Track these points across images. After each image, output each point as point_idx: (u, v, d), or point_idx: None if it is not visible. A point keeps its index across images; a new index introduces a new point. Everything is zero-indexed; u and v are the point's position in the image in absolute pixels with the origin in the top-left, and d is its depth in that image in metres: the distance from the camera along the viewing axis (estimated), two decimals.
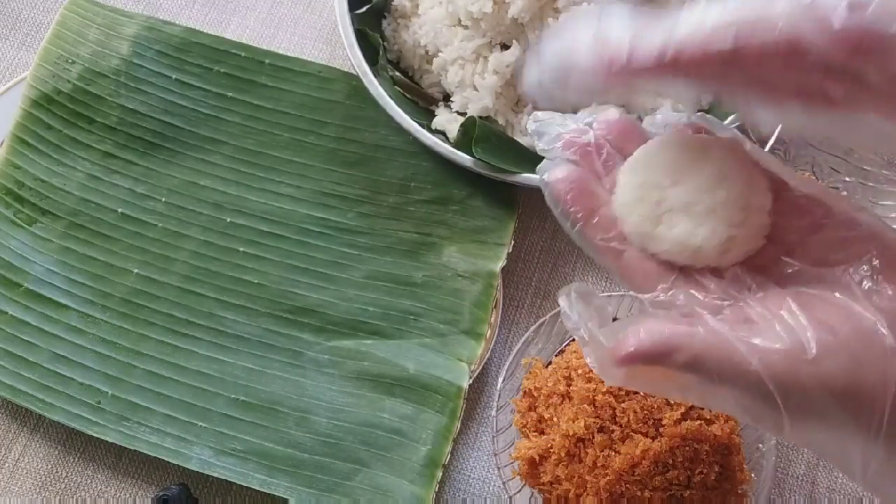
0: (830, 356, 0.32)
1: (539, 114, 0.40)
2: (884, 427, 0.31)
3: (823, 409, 0.32)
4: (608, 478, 0.49)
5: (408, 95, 0.66)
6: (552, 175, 0.38)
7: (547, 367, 0.56)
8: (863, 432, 0.32)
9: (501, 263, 0.62)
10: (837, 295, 0.33)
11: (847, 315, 0.33)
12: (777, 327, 0.33)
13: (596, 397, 0.51)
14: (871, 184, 0.63)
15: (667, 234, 0.37)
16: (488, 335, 0.61)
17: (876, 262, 0.34)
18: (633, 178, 0.38)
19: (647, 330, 0.33)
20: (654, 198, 0.37)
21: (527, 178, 0.62)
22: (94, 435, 0.58)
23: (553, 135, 0.39)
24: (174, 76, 0.68)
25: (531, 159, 0.64)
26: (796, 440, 0.34)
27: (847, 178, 0.63)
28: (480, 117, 0.64)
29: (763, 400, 0.32)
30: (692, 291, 0.36)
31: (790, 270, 0.36)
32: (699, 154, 0.37)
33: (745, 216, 0.36)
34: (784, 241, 0.37)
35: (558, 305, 0.37)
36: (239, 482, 0.57)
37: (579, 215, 0.38)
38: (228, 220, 0.64)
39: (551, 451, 0.51)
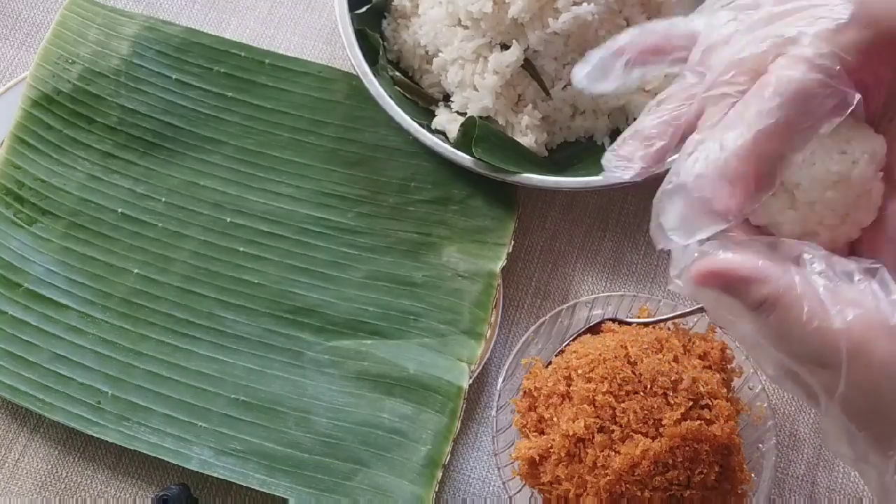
0: None
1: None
2: None
3: (879, 389, 0.30)
4: (608, 478, 0.49)
5: (408, 95, 0.66)
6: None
7: (547, 367, 0.56)
8: None
9: (501, 263, 0.62)
10: None
11: None
12: (869, 293, 0.31)
13: (596, 397, 0.51)
14: None
15: (781, 209, 0.35)
16: (488, 335, 0.61)
17: None
18: None
19: (735, 255, 0.32)
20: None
21: (527, 178, 0.62)
22: (94, 435, 0.58)
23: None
24: (174, 76, 0.68)
25: (531, 159, 0.64)
26: (831, 424, 0.32)
27: None
28: (480, 117, 0.64)
29: (822, 363, 0.31)
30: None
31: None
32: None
33: (861, 193, 0.34)
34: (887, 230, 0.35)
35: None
36: (239, 482, 0.57)
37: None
38: (228, 220, 0.64)
39: (551, 451, 0.51)
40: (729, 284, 0.33)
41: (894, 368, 0.30)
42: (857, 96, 0.32)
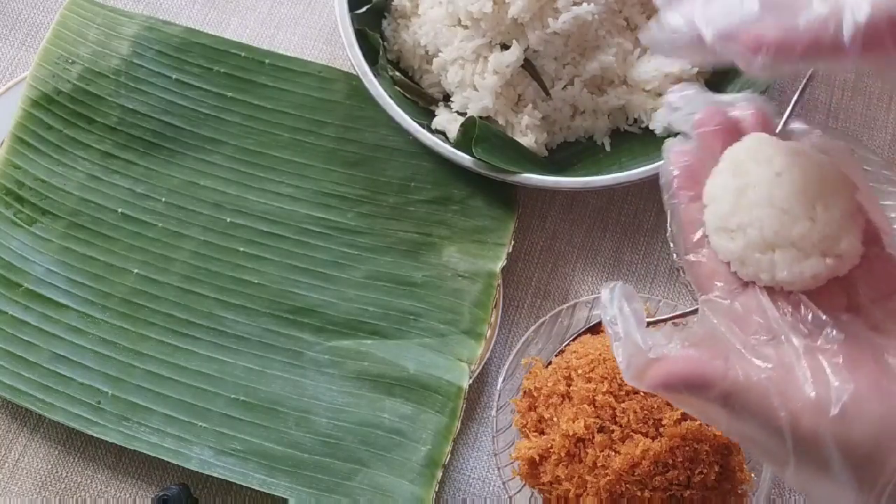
0: (855, 421, 0.32)
1: (684, 89, 0.40)
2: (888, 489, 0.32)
3: (830, 465, 0.32)
4: (608, 478, 0.49)
5: (408, 95, 0.66)
6: (673, 147, 0.39)
7: (547, 367, 0.56)
8: (864, 491, 0.32)
9: (501, 263, 0.62)
10: (890, 359, 0.34)
11: (886, 389, 0.33)
12: (810, 379, 0.33)
13: (596, 397, 0.51)
14: (871, 184, 0.63)
15: (743, 249, 0.36)
16: (488, 335, 0.61)
17: None
18: (727, 179, 0.37)
19: (686, 360, 0.35)
20: (742, 204, 0.36)
21: (527, 178, 0.62)
22: (94, 435, 0.58)
23: (687, 112, 0.39)
24: (174, 76, 0.68)
25: (531, 159, 0.64)
26: (794, 483, 0.35)
27: None
28: (480, 117, 0.64)
29: (777, 442, 0.33)
30: (737, 305, 0.36)
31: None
32: (801, 169, 0.36)
33: (834, 246, 0.35)
34: (852, 293, 0.36)
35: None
36: (239, 482, 0.57)
37: (680, 193, 0.38)
38: (228, 220, 0.64)
39: (551, 451, 0.51)
40: (681, 390, 0.35)
41: (846, 451, 0.32)
42: None
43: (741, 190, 0.37)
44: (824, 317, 0.35)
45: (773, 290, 0.36)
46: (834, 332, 0.34)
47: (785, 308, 0.35)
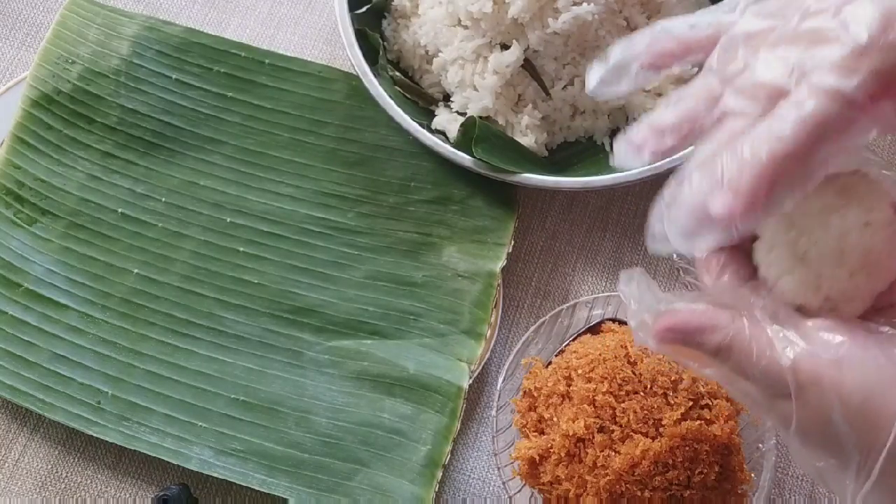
0: (854, 369, 0.32)
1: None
2: (882, 457, 0.32)
3: (831, 417, 0.32)
4: (608, 478, 0.49)
5: (408, 95, 0.66)
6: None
7: (547, 367, 0.56)
8: (862, 454, 0.32)
9: (501, 263, 0.62)
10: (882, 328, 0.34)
11: (878, 344, 0.33)
12: (810, 336, 0.33)
13: (596, 397, 0.51)
14: None
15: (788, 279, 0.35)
16: (488, 335, 0.61)
17: None
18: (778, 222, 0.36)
19: (692, 312, 0.35)
20: (792, 238, 0.35)
21: (527, 178, 0.62)
22: (94, 435, 0.58)
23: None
24: (174, 76, 0.68)
25: (531, 159, 0.64)
26: (796, 444, 0.34)
27: None
28: (480, 117, 0.64)
29: (780, 395, 0.33)
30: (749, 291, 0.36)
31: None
32: (844, 198, 0.35)
33: (874, 275, 0.34)
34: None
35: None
36: (239, 482, 0.57)
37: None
38: (228, 220, 0.64)
39: (551, 451, 0.51)
40: (685, 338, 0.35)
41: (840, 398, 0.32)
42: (874, 131, 0.32)
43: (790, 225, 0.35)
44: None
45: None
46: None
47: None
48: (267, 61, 0.69)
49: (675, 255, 0.40)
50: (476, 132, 0.61)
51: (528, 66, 0.64)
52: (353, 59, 0.65)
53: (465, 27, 0.65)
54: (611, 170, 0.63)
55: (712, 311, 0.35)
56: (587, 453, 0.50)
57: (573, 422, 0.50)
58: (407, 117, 0.63)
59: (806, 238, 0.34)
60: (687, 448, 0.49)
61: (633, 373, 0.51)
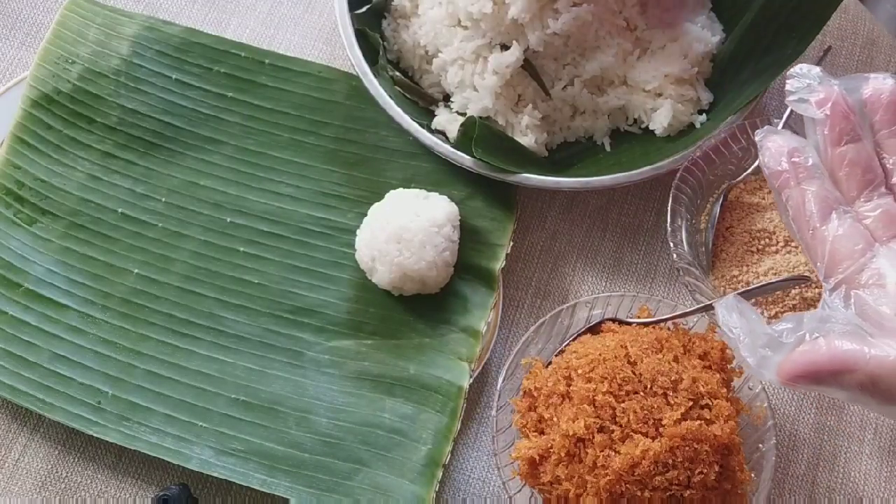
0: None
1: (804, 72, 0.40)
2: None
3: None
4: (608, 478, 0.49)
5: (408, 95, 0.66)
6: (770, 136, 0.39)
7: (547, 367, 0.56)
8: None
9: (501, 264, 0.62)
10: None
11: None
12: None
13: (596, 397, 0.51)
14: None
15: None
16: (488, 335, 0.61)
17: None
18: None
19: (827, 348, 0.35)
20: None
21: (527, 178, 0.62)
22: (94, 435, 0.58)
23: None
24: (174, 76, 0.68)
25: (531, 159, 0.64)
26: None
27: None
28: (480, 117, 0.64)
29: None
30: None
31: None
32: None
33: None
34: None
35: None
36: (239, 482, 0.57)
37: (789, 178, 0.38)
38: (228, 220, 0.64)
39: (551, 451, 0.51)
40: (820, 380, 0.35)
41: None
42: None
43: None
44: None
45: None
46: None
47: None
48: (267, 61, 0.69)
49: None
50: (476, 132, 0.61)
51: (528, 66, 0.64)
52: (353, 59, 0.65)
53: (465, 28, 0.65)
54: (611, 170, 0.63)
55: (843, 351, 0.34)
56: (587, 453, 0.50)
57: (573, 422, 0.50)
58: (407, 117, 0.63)
59: None
60: (687, 448, 0.49)
61: (633, 373, 0.51)
